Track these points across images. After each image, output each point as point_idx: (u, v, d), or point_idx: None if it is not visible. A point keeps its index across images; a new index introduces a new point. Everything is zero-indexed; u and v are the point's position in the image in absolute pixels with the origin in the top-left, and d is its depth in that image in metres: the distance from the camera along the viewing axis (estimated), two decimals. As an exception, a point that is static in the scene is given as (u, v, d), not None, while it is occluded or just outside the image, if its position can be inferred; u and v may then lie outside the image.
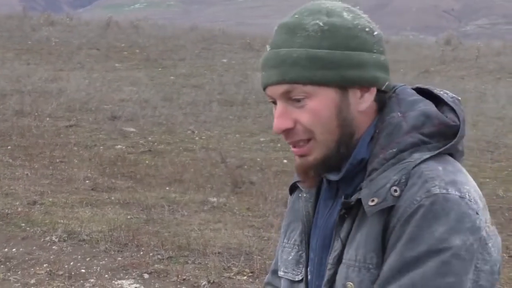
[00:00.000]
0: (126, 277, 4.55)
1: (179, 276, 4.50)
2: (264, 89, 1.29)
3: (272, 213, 5.96)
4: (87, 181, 6.88)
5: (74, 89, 11.43)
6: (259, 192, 6.63)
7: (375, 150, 1.25)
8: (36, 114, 9.73)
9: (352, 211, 1.25)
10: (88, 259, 4.83)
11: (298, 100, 1.24)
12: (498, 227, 1.29)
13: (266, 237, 5.34)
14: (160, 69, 14.27)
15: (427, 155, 1.21)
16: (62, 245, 5.06)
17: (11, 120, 9.23)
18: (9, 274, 4.55)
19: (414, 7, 70.67)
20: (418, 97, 1.30)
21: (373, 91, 1.27)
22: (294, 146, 1.29)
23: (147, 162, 7.84)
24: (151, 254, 4.90)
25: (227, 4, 77.48)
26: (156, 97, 11.41)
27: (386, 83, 1.28)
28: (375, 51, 1.26)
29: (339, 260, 1.26)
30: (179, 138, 9.08)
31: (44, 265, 4.68)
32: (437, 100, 1.30)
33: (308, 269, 1.37)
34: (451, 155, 1.26)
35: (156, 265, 4.70)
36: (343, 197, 1.29)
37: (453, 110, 1.27)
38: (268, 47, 1.29)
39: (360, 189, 1.23)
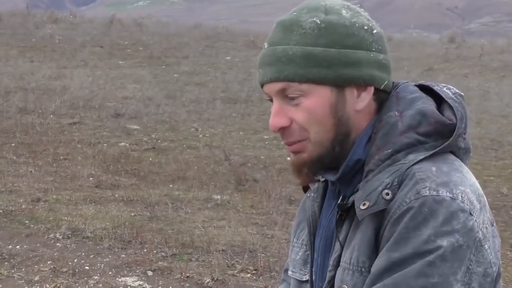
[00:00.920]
0: (130, 274, 4.55)
1: (183, 273, 4.50)
2: (261, 86, 1.27)
3: (276, 211, 5.96)
4: (91, 178, 6.89)
5: (77, 86, 11.46)
6: (263, 190, 6.62)
7: (371, 151, 1.22)
8: (39, 111, 9.75)
9: (350, 213, 1.22)
10: (92, 256, 4.83)
11: (293, 98, 1.22)
12: (502, 225, 1.28)
13: (270, 235, 5.34)
14: (163, 66, 14.28)
15: (422, 155, 1.18)
16: (66, 242, 5.06)
17: (15, 118, 9.24)
18: (13, 271, 4.56)
19: (417, 4, 70.55)
20: (418, 94, 1.26)
21: (371, 90, 1.24)
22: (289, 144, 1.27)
23: (150, 159, 7.85)
24: (154, 251, 4.90)
25: (230, 2, 77.42)
26: (160, 94, 11.43)
27: (385, 82, 1.26)
28: (373, 49, 1.23)
29: (338, 262, 1.24)
30: (183, 136, 9.09)
31: (48, 262, 4.68)
32: (440, 97, 1.27)
33: (313, 269, 1.36)
34: (453, 153, 1.24)
35: (159, 263, 4.70)
36: (340, 198, 1.28)
37: (451, 107, 1.24)
38: (265, 44, 1.26)
39: (357, 190, 1.22)
